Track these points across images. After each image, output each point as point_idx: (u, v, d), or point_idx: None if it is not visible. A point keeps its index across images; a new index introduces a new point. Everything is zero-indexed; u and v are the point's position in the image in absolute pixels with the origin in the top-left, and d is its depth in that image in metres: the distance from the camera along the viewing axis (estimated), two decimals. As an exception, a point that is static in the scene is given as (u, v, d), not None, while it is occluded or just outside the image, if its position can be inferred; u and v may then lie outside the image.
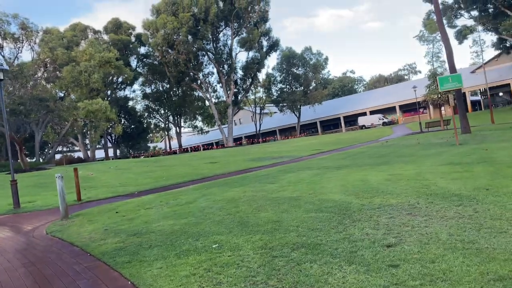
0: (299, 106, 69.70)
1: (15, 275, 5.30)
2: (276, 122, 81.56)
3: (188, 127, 75.56)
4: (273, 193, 9.40)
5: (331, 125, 74.77)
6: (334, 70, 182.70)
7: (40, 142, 43.15)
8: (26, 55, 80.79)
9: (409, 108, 62.67)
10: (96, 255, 5.82)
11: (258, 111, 73.66)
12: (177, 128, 70.67)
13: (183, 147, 72.75)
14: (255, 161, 21.98)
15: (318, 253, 4.57)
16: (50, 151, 49.09)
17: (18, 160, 33.85)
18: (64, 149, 63.15)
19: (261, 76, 69.95)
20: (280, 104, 71.44)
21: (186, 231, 6.60)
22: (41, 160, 43.29)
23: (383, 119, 61.99)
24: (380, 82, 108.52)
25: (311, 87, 70.63)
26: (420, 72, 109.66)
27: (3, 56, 41.58)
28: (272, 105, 76.81)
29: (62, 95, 45.25)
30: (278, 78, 71.80)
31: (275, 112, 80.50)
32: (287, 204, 7.70)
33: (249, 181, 12.70)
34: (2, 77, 11.75)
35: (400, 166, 11.87)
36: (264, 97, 74.81)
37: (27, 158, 40.69)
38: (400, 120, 62.78)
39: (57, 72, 42.66)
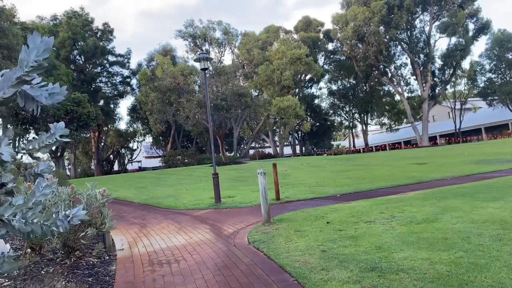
0: (515, 99, 56.63)
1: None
2: (481, 119, 68.67)
3: (375, 124, 71.05)
4: None
5: None
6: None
7: (237, 137, 46.57)
8: (227, 59, 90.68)
9: None
10: (324, 302, 3.71)
11: (458, 106, 63.35)
12: (363, 125, 67.11)
13: (369, 146, 68.68)
14: (480, 164, 17.18)
15: None
16: (245, 146, 52.74)
17: (220, 154, 36.75)
18: (257, 145, 67.65)
19: (464, 65, 59.87)
20: (490, 98, 59.60)
21: (467, 280, 3.86)
22: (237, 155, 46.58)
23: None
24: None
25: (534, 75, 56.51)
26: None
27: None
28: (477, 99, 65.08)
29: (256, 93, 47.75)
30: (487, 67, 60.01)
31: (480, 107, 68.03)
32: None
33: (502, 193, 8.97)
34: (207, 66, 11.29)
35: None
36: (466, 90, 63.88)
37: (226, 152, 44.39)
38: None
39: (254, 71, 45.07)
